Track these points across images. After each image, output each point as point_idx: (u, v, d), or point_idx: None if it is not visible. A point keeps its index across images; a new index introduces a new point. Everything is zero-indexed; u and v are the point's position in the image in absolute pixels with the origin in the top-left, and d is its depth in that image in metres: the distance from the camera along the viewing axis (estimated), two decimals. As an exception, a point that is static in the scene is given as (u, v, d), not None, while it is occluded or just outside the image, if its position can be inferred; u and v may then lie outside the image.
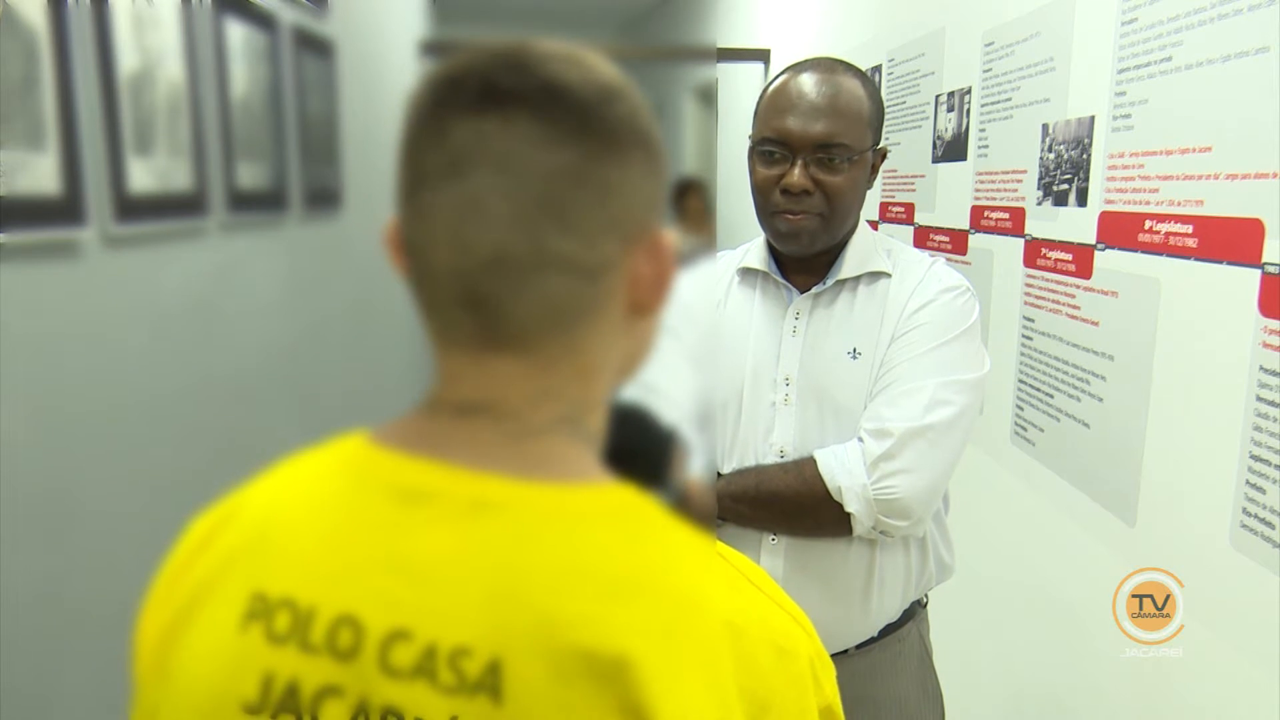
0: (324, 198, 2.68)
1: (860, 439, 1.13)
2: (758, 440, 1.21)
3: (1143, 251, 1.31)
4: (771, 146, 1.17)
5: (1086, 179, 1.46)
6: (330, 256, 2.80)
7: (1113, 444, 1.39)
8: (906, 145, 2.25)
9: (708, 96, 4.85)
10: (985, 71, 1.85)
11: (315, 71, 2.58)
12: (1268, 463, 1.06)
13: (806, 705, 0.51)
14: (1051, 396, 1.58)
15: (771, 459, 1.19)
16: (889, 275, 1.21)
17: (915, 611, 1.28)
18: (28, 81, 1.22)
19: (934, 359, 1.14)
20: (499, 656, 0.45)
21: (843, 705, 0.57)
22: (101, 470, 1.43)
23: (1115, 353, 1.39)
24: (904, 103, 2.28)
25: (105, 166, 1.42)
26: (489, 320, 0.50)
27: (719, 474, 1.21)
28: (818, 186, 1.15)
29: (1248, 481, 1.09)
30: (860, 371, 1.18)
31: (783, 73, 1.22)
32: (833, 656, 0.58)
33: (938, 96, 2.10)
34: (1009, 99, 1.75)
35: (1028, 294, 1.68)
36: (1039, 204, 1.63)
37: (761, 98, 1.21)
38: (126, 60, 1.49)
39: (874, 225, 1.74)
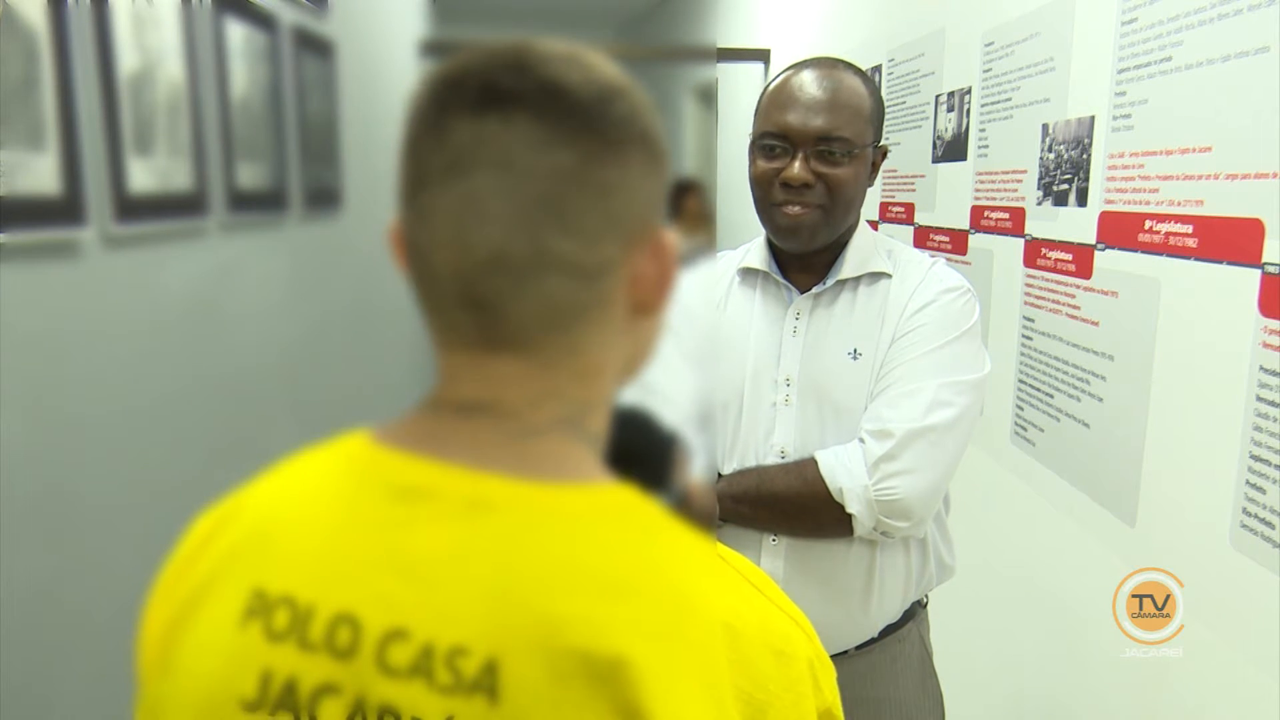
0: (324, 198, 2.68)
1: (861, 440, 1.13)
2: (758, 441, 1.21)
3: (1143, 251, 1.31)
4: (772, 141, 1.17)
5: (1086, 179, 1.47)
6: (330, 256, 2.80)
7: (1113, 444, 1.39)
8: (906, 145, 2.25)
9: (708, 96, 4.85)
10: (985, 71, 1.85)
11: (315, 71, 2.58)
12: (1268, 463, 1.06)
13: (805, 708, 0.51)
14: (1051, 396, 1.58)
15: (772, 459, 1.19)
16: (889, 276, 1.21)
17: (915, 612, 1.28)
18: (28, 81, 1.22)
19: (935, 360, 1.14)
20: (496, 656, 0.45)
21: (842, 706, 0.57)
22: (101, 470, 1.43)
23: (1115, 353, 1.39)
24: (904, 103, 2.28)
25: (105, 166, 1.42)
26: (489, 320, 0.50)
27: (720, 474, 1.21)
28: (819, 179, 1.15)
29: (1248, 481, 1.09)
30: (861, 372, 1.18)
31: (784, 71, 1.22)
32: (833, 657, 0.58)
33: (938, 96, 2.10)
34: (1009, 99, 1.75)
35: (1028, 294, 1.68)
36: (1039, 204, 1.63)
37: (762, 95, 1.22)
38: (126, 60, 1.49)
39: (874, 225, 1.75)
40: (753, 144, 1.20)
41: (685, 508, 0.58)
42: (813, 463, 1.14)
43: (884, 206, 2.42)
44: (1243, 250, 1.10)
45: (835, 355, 1.19)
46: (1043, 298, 1.62)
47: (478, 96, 0.48)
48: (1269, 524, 1.06)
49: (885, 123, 1.26)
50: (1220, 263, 1.14)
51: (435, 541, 0.48)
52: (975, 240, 1.91)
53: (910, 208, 2.26)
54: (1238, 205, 1.12)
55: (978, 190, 1.89)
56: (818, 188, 1.16)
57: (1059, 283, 1.56)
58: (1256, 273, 1.08)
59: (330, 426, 0.58)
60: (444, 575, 0.47)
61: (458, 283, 0.49)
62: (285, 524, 0.52)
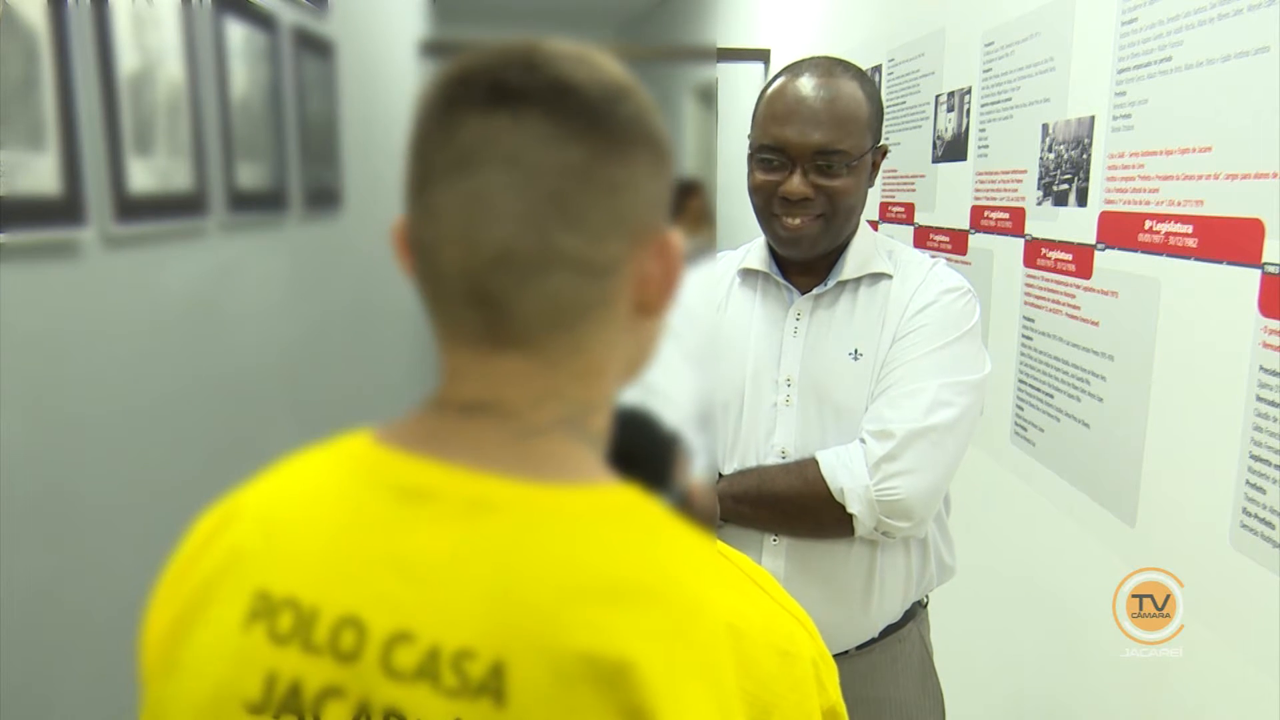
0: (324, 198, 2.68)
1: (862, 440, 1.13)
2: (759, 441, 1.21)
3: (1143, 251, 1.31)
4: (770, 154, 1.17)
5: (1086, 179, 1.47)
6: (330, 256, 2.80)
7: (1113, 444, 1.39)
8: (906, 145, 2.25)
9: (708, 96, 4.85)
10: (985, 71, 1.85)
11: (315, 71, 2.58)
12: (1268, 463, 1.06)
13: (810, 708, 0.51)
14: (1051, 396, 1.58)
15: (773, 460, 1.19)
16: (890, 276, 1.21)
17: (916, 612, 1.28)
18: (28, 81, 1.22)
19: (935, 360, 1.14)
20: (502, 659, 0.45)
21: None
22: (101, 470, 1.43)
23: (1115, 353, 1.39)
24: (904, 103, 2.28)
25: (105, 166, 1.42)
26: (494, 318, 0.50)
27: (720, 474, 1.21)
28: (818, 191, 1.15)
29: (1248, 481, 1.09)
30: (861, 372, 1.18)
31: (780, 74, 1.21)
32: (833, 657, 0.58)
33: (938, 96, 2.10)
34: (1009, 99, 1.75)
35: (1028, 294, 1.68)
36: (1039, 204, 1.63)
37: (760, 100, 1.21)
38: (126, 60, 1.49)
39: (874, 225, 1.74)
40: (751, 155, 1.20)
41: (686, 508, 0.58)
42: (814, 463, 1.14)
43: (884, 206, 2.42)
44: (1243, 250, 1.10)
45: (836, 356, 1.19)
46: (1043, 298, 1.62)
47: (487, 93, 0.48)
48: (1269, 524, 1.06)
49: (885, 123, 1.25)
50: (1220, 263, 1.14)
51: (439, 543, 0.48)
52: (975, 240, 1.91)
53: (910, 208, 2.26)
54: (1238, 205, 1.12)
55: (978, 190, 1.89)
56: (818, 199, 1.15)
57: (1059, 283, 1.56)
58: (1256, 273, 1.08)
59: (330, 426, 0.58)
60: (448, 577, 0.47)
61: (464, 279, 0.49)
62: (288, 525, 0.52)
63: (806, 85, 1.16)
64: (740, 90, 3.95)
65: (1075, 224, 1.50)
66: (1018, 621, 1.74)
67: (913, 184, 2.24)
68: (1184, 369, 1.23)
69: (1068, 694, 1.54)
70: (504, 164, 0.48)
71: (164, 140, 1.62)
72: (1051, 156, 1.58)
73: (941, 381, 1.13)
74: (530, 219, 0.48)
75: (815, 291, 1.22)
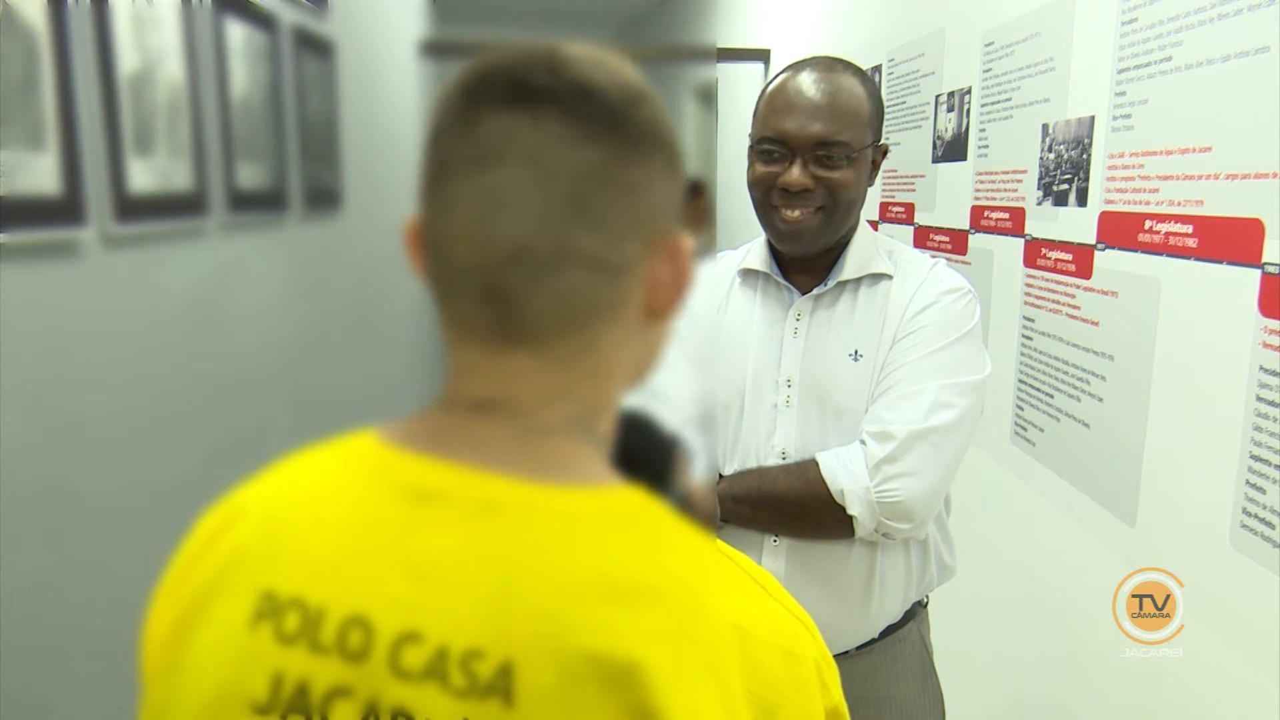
0: (324, 198, 2.68)
1: (862, 441, 1.13)
2: (759, 441, 1.21)
3: (1143, 251, 1.31)
4: (770, 145, 1.17)
5: (1086, 179, 1.47)
6: (330, 256, 2.80)
7: (1113, 444, 1.39)
8: (906, 145, 2.25)
9: (708, 96, 4.86)
10: (985, 71, 1.85)
11: (315, 71, 2.58)
12: (1268, 463, 1.06)
13: (813, 708, 0.51)
14: (1051, 396, 1.58)
15: (773, 460, 1.19)
16: (890, 277, 1.21)
17: (916, 612, 1.28)
18: (28, 81, 1.22)
19: (936, 361, 1.14)
20: (510, 659, 0.45)
21: (844, 705, 0.57)
22: (101, 470, 1.43)
23: (1115, 353, 1.39)
24: (904, 103, 2.28)
25: (105, 166, 1.42)
26: (506, 314, 0.50)
27: (721, 475, 1.21)
28: (818, 183, 1.15)
29: (1248, 481, 1.09)
30: (862, 373, 1.18)
31: (782, 72, 1.22)
32: (834, 657, 0.58)
33: (938, 96, 2.10)
34: (1009, 99, 1.75)
35: (1028, 294, 1.68)
36: (1039, 204, 1.63)
37: (761, 97, 1.21)
38: (126, 60, 1.49)
39: (874, 225, 1.74)
40: (751, 148, 1.20)
41: (686, 509, 0.58)
42: (814, 464, 1.14)
43: (884, 206, 2.42)
44: (1243, 250, 1.10)
45: (836, 356, 1.19)
46: (1043, 298, 1.62)
47: (508, 92, 0.49)
48: (1269, 524, 1.06)
49: (885, 123, 1.26)
50: (1220, 263, 1.14)
51: (446, 544, 0.48)
52: (975, 240, 1.91)
53: (910, 208, 2.26)
54: (1238, 205, 1.12)
55: (978, 190, 1.89)
56: (818, 191, 1.15)
57: (1059, 283, 1.56)
58: (1256, 273, 1.08)
59: (330, 426, 0.58)
60: (456, 577, 0.47)
61: (477, 275, 0.49)
62: (294, 525, 0.52)
63: (808, 80, 1.17)
64: (740, 90, 3.95)
65: (1075, 224, 1.50)
66: (1018, 621, 1.74)
67: (913, 184, 2.24)
68: (1184, 369, 1.23)
69: (1068, 694, 1.54)
70: (523, 161, 0.48)
71: (164, 140, 1.62)
72: (1051, 156, 1.58)
73: (942, 383, 1.13)
74: (548, 216, 0.48)
75: (815, 292, 1.22)
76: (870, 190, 1.23)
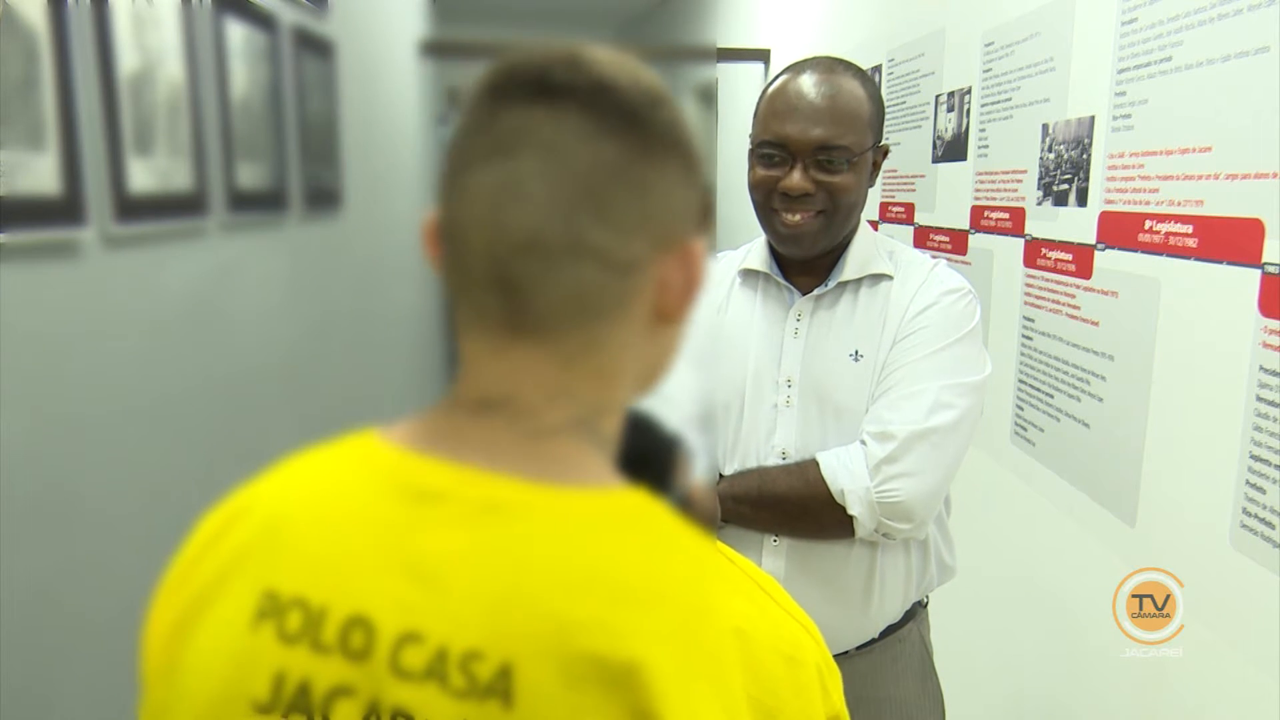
0: (324, 198, 2.68)
1: (863, 442, 1.13)
2: (759, 442, 1.21)
3: (1143, 251, 1.31)
4: (771, 149, 1.17)
5: (1086, 179, 1.47)
6: (330, 256, 2.80)
7: (1113, 444, 1.39)
8: (906, 145, 2.25)
9: (708, 96, 4.85)
10: (985, 71, 1.85)
11: (315, 71, 2.58)
12: (1268, 463, 1.06)
13: (814, 713, 0.51)
14: (1051, 396, 1.58)
15: (773, 460, 1.19)
16: (890, 277, 1.21)
17: (916, 612, 1.28)
18: (28, 81, 1.22)
19: (936, 362, 1.14)
20: (510, 661, 0.45)
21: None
22: (101, 470, 1.43)
23: (1115, 353, 1.39)
24: (904, 103, 2.28)
25: (105, 166, 1.42)
26: (515, 304, 0.50)
27: (721, 475, 1.21)
28: (819, 187, 1.15)
29: (1248, 481, 1.09)
30: (862, 374, 1.18)
31: (782, 73, 1.21)
32: (834, 657, 0.58)
33: (938, 96, 2.10)
34: (1009, 99, 1.75)
35: (1028, 294, 1.68)
36: (1039, 204, 1.63)
37: (761, 99, 1.21)
38: (126, 60, 1.49)
39: (874, 225, 1.75)
40: (752, 150, 1.20)
41: (687, 509, 0.58)
42: (814, 464, 1.14)
43: (884, 206, 2.42)
44: (1243, 250, 1.10)
45: (836, 357, 1.19)
46: (1043, 298, 1.62)
47: (530, 87, 0.50)
48: (1269, 524, 1.06)
49: (885, 123, 1.26)
50: (1220, 263, 1.14)
51: (448, 545, 0.48)
52: (975, 240, 1.91)
53: (910, 208, 2.26)
54: (1238, 205, 1.12)
55: (978, 190, 1.89)
56: (818, 195, 1.15)
57: (1059, 283, 1.56)
58: (1256, 273, 1.08)
59: (330, 426, 0.58)
60: (457, 578, 0.47)
61: (489, 263, 0.50)
62: (297, 524, 0.52)
63: (808, 82, 1.17)
64: (740, 90, 3.95)
65: (1075, 224, 1.50)
66: (1018, 621, 1.74)
67: (913, 184, 2.24)
68: (1184, 369, 1.23)
69: (1068, 694, 1.54)
70: (540, 152, 0.49)
71: (164, 140, 1.62)
72: (1051, 156, 1.58)
73: (942, 383, 1.13)
74: (560, 208, 0.49)
75: (816, 292, 1.22)
76: (870, 191, 1.23)
